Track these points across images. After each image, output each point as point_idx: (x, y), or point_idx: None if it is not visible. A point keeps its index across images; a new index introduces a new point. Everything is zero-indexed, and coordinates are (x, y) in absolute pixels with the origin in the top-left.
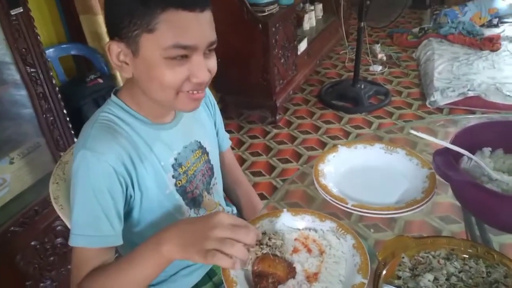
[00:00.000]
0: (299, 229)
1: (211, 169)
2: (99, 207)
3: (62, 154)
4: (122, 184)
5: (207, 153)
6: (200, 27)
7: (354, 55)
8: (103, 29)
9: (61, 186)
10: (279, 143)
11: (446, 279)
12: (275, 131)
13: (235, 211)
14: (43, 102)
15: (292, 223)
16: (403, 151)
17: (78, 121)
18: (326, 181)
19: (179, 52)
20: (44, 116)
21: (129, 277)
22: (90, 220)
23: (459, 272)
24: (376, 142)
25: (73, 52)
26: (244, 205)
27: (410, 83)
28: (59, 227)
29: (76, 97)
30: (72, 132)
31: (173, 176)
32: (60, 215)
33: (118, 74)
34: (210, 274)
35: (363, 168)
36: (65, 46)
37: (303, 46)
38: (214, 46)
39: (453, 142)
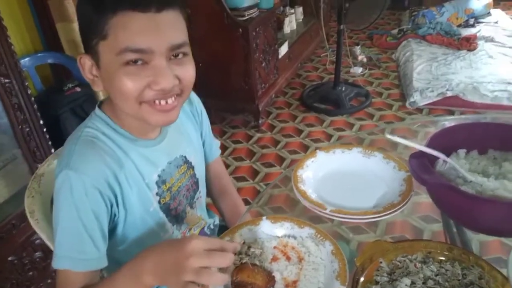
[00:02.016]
0: (278, 237)
1: (196, 183)
2: (83, 228)
3: (39, 166)
4: (107, 203)
5: (193, 168)
6: (155, 29)
7: (335, 58)
8: (77, 33)
9: (37, 199)
10: (262, 147)
11: (423, 283)
12: (258, 135)
13: (217, 221)
14: (19, 113)
15: (271, 230)
16: (381, 155)
17: (56, 130)
18: (305, 186)
19: (132, 57)
20: (20, 127)
21: None
22: (74, 242)
23: (436, 276)
24: (354, 146)
25: (49, 61)
26: (230, 217)
27: (390, 84)
28: (37, 241)
29: (54, 106)
30: (50, 143)
31: (157, 194)
32: (36, 229)
33: None
34: None
35: (342, 173)
36: (41, 54)
37: (284, 49)
38: (182, 50)
39: (428, 145)
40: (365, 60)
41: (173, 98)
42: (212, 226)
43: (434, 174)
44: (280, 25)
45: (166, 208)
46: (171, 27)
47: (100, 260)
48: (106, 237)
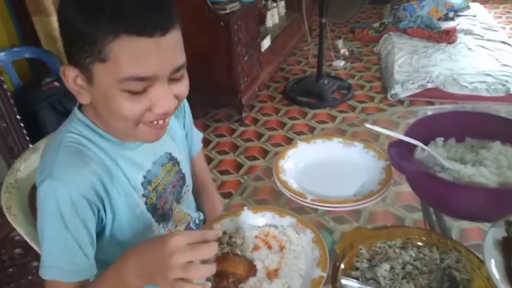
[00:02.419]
0: (259, 227)
1: (182, 178)
2: (72, 239)
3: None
4: (94, 210)
5: (178, 163)
6: (160, 54)
7: (317, 51)
8: (57, 28)
9: (14, 195)
10: (246, 141)
11: (402, 268)
12: (241, 128)
13: (202, 216)
14: None
15: (252, 220)
16: (361, 144)
17: (35, 126)
18: (287, 177)
19: (136, 85)
20: None
21: None
22: (64, 254)
23: (414, 260)
24: (334, 136)
25: (27, 55)
26: (207, 211)
27: (372, 77)
28: (17, 237)
29: (31, 101)
30: (27, 138)
31: (143, 195)
32: (14, 224)
33: None
34: None
35: (322, 163)
36: (18, 49)
37: (266, 43)
38: (182, 69)
39: (407, 134)
40: (347, 53)
41: (170, 117)
42: (197, 221)
43: (412, 161)
44: (262, 19)
45: (152, 208)
46: (175, 49)
47: (90, 268)
48: (94, 244)
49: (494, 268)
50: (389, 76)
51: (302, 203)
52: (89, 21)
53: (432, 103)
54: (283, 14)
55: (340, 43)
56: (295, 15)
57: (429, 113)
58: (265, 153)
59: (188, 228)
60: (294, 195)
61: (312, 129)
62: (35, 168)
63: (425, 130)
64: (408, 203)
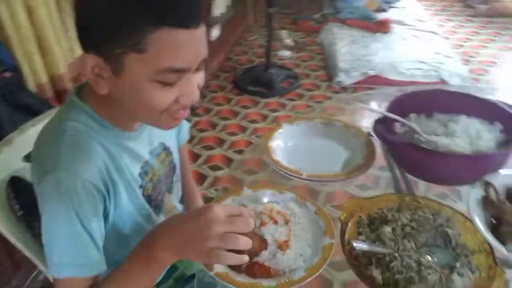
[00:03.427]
0: (263, 203)
1: (173, 168)
2: (85, 232)
3: None
4: (101, 199)
5: (171, 153)
6: (195, 45)
7: (263, 41)
8: (3, 14)
9: None
10: (200, 131)
11: (401, 229)
12: (195, 118)
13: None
14: None
15: (254, 198)
16: (340, 123)
17: None
18: (277, 156)
19: (171, 77)
20: None
21: None
22: (78, 248)
23: (410, 222)
24: (314, 117)
25: None
26: (187, 204)
27: (316, 66)
28: None
29: None
30: None
31: (140, 186)
32: None
33: (25, 66)
34: (170, 270)
35: (306, 142)
36: None
37: (214, 32)
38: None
39: (388, 111)
40: (291, 43)
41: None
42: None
43: (398, 135)
44: (208, 9)
45: (149, 200)
46: (204, 41)
47: (102, 262)
48: (103, 236)
49: (479, 222)
50: (334, 65)
51: (298, 179)
52: (129, 12)
53: (374, 89)
54: (229, 4)
55: (284, 33)
56: (241, 5)
57: (400, 94)
58: (221, 142)
59: None
60: (289, 173)
61: (264, 118)
62: (7, 161)
63: (400, 108)
64: (362, 183)
